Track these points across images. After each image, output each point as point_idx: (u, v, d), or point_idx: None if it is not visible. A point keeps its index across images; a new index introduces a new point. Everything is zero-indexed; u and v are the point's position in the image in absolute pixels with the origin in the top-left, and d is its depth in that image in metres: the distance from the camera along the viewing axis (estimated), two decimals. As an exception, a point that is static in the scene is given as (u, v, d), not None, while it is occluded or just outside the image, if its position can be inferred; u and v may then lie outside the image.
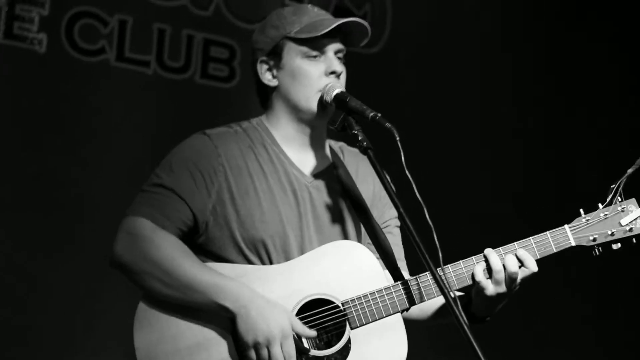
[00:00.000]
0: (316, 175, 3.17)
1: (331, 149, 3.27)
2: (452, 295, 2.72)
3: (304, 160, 3.17)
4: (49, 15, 5.28)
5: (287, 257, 3.02)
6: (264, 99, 3.21)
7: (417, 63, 6.19)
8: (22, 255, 5.09)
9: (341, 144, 3.32)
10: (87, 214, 5.23)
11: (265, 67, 3.15)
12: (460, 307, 2.69)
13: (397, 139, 2.85)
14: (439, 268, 2.84)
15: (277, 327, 2.85)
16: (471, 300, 3.05)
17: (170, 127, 5.34)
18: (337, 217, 3.14)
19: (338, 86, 3.06)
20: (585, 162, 6.41)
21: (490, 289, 2.97)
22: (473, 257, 3.00)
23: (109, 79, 5.40)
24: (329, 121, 3.09)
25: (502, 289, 2.97)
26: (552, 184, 6.37)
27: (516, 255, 2.98)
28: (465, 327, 2.63)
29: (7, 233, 5.09)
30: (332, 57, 3.10)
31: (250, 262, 3.01)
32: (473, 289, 3.02)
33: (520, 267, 2.97)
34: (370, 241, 3.19)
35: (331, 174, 3.20)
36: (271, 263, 3.01)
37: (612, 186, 3.02)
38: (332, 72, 3.08)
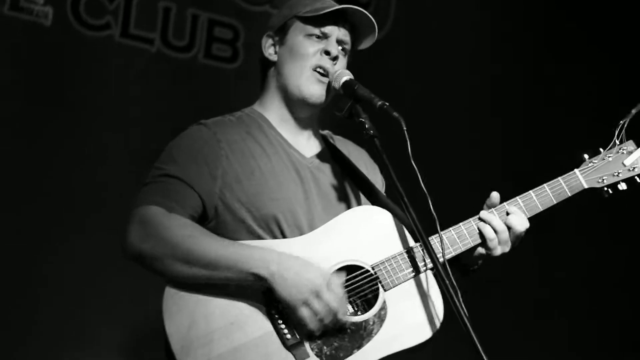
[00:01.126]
0: (315, 156, 3.22)
1: (322, 135, 3.32)
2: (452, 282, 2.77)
3: (300, 142, 3.22)
4: (56, -12, 5.29)
5: (300, 233, 3.04)
6: (263, 78, 3.25)
7: (419, 52, 6.20)
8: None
9: (327, 131, 3.37)
10: (88, 192, 5.22)
11: (270, 41, 3.23)
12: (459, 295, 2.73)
13: (405, 128, 2.88)
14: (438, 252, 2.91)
15: (318, 276, 2.84)
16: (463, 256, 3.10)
17: (173, 105, 5.36)
18: (341, 194, 3.18)
19: (347, 73, 3.10)
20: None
21: (498, 250, 3.06)
22: (470, 219, 3.08)
23: (113, 55, 5.40)
24: (335, 108, 3.11)
25: (507, 247, 3.07)
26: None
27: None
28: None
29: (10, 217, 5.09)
30: (332, 41, 3.15)
31: None
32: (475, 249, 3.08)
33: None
34: None
35: (328, 155, 3.25)
36: None
37: (614, 129, 3.14)
38: (327, 53, 3.12)
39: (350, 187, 3.22)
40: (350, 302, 2.94)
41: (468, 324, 2.66)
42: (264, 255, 2.86)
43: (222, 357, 2.84)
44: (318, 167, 3.19)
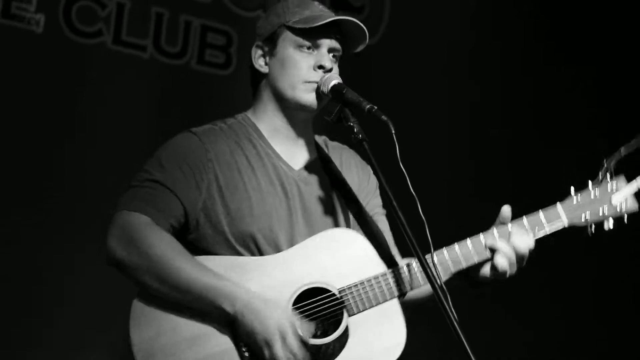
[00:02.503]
0: (304, 168, 3.18)
1: (316, 142, 3.28)
2: (439, 284, 2.74)
3: (291, 153, 3.18)
4: (48, -5, 5.28)
5: (278, 250, 3.02)
6: (254, 88, 3.22)
7: (413, 56, 6.19)
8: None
9: (324, 137, 3.33)
10: (81, 200, 5.21)
11: (259, 52, 3.18)
12: (449, 299, 2.70)
13: (393, 132, 2.86)
14: (429, 255, 2.89)
15: (275, 327, 2.83)
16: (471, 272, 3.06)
17: (166, 112, 5.36)
18: (326, 209, 3.15)
19: (335, 77, 3.07)
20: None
21: (508, 272, 2.99)
22: (468, 238, 3.01)
23: (105, 62, 5.39)
24: (324, 112, 3.08)
25: (515, 268, 3.00)
26: (544, 179, 6.38)
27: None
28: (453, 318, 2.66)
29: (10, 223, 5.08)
30: (324, 53, 3.11)
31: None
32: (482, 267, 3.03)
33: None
34: (362, 231, 3.18)
35: (319, 166, 3.22)
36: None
37: (603, 165, 2.99)
38: (321, 67, 3.08)
39: (337, 202, 3.19)
40: (316, 325, 2.94)
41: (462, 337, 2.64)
42: (233, 291, 2.87)
43: None
44: (306, 180, 3.16)
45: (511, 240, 2.99)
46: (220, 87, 5.64)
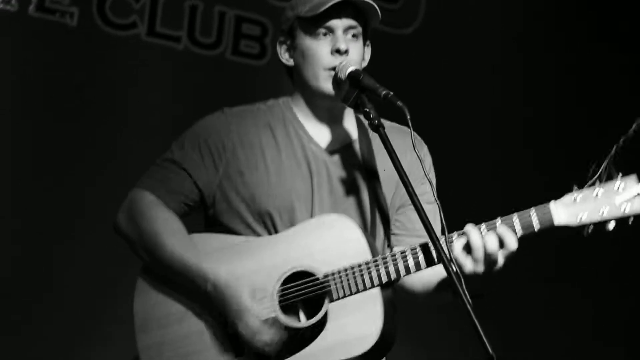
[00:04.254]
0: (335, 150, 3.18)
1: (361, 124, 3.25)
2: (454, 269, 2.71)
3: (324, 136, 3.19)
4: (82, -11, 5.33)
5: None
6: (291, 78, 3.26)
7: (449, 46, 6.13)
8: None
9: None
10: (115, 189, 5.23)
11: (284, 47, 3.21)
12: (463, 282, 2.66)
13: (408, 117, 2.84)
14: (442, 242, 2.81)
15: (234, 307, 2.94)
16: None
17: (200, 103, 5.33)
18: (354, 192, 3.14)
19: (352, 63, 3.06)
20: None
21: (468, 266, 2.85)
22: (455, 232, 2.90)
23: (139, 54, 5.43)
24: (342, 98, 3.07)
25: (480, 268, 2.84)
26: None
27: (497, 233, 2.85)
28: (467, 303, 2.62)
29: (26, 217, 5.13)
30: (339, 35, 3.09)
31: (256, 233, 3.07)
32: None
33: (501, 247, 2.84)
34: (394, 217, 3.20)
35: (352, 150, 3.21)
36: None
37: (604, 160, 2.76)
38: (337, 51, 3.07)
39: (367, 185, 3.17)
40: (299, 309, 2.97)
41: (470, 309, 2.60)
42: (206, 272, 2.99)
43: (174, 341, 3.03)
44: (335, 162, 3.16)
45: (485, 235, 2.85)
46: (255, 78, 5.65)
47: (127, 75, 5.36)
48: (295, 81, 3.22)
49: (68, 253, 5.15)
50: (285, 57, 3.21)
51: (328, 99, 3.12)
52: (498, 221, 2.87)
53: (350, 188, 3.14)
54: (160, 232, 3.07)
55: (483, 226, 2.87)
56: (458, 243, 2.87)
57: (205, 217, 3.18)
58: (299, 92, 3.21)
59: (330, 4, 3.05)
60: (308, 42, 3.12)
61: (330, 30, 3.10)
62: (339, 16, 3.09)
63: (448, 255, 2.76)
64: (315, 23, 3.09)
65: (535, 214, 2.84)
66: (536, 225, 2.84)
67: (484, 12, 6.23)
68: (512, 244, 2.83)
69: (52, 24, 5.24)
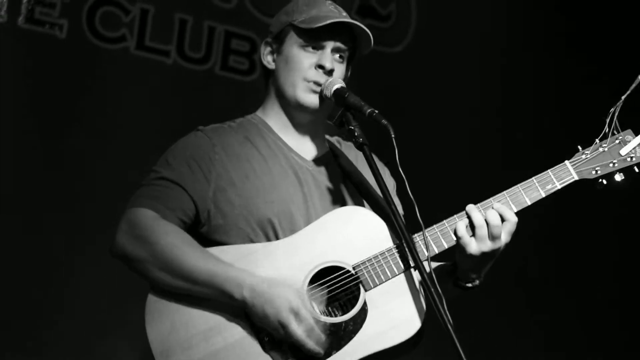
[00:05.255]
0: (316, 160, 3.20)
1: (328, 140, 3.30)
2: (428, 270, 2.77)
3: (302, 146, 3.21)
4: (71, 2, 5.33)
5: None
6: (265, 84, 3.28)
7: (439, 63, 6.15)
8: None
9: (336, 137, 3.34)
10: (104, 205, 5.23)
11: (268, 49, 3.24)
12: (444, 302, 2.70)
13: (393, 136, 2.86)
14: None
15: (285, 306, 2.83)
16: (457, 265, 3.04)
17: (189, 117, 5.35)
18: (340, 199, 3.16)
19: (338, 81, 3.08)
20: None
21: (473, 246, 2.94)
22: (456, 215, 2.99)
23: (128, 67, 5.43)
24: (327, 116, 3.10)
25: (486, 246, 2.94)
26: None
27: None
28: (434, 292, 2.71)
29: (23, 227, 5.13)
30: (327, 54, 3.13)
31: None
32: (457, 249, 2.99)
33: (503, 221, 2.95)
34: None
35: (331, 160, 3.24)
36: None
37: (608, 118, 3.01)
38: (321, 67, 3.10)
39: (352, 190, 3.20)
40: (334, 303, 2.94)
41: (450, 328, 2.65)
42: (238, 276, 2.88)
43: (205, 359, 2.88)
44: (319, 171, 3.18)
45: (487, 214, 2.95)
46: (243, 93, 5.64)
47: (116, 88, 5.36)
48: (269, 85, 3.24)
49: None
50: (267, 59, 3.23)
51: (307, 111, 3.13)
52: (505, 194, 2.99)
53: (337, 195, 3.16)
54: (176, 244, 2.93)
55: (481, 206, 2.98)
56: (461, 224, 2.95)
57: (196, 236, 3.04)
58: (273, 100, 3.21)
59: (328, 22, 3.08)
60: (295, 51, 3.14)
61: (320, 47, 3.13)
62: (332, 36, 3.12)
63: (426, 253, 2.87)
64: (308, 35, 3.12)
65: (553, 174, 3.01)
66: (558, 184, 3.01)
67: (471, 30, 6.25)
68: (512, 217, 2.96)
69: (42, 36, 5.25)
